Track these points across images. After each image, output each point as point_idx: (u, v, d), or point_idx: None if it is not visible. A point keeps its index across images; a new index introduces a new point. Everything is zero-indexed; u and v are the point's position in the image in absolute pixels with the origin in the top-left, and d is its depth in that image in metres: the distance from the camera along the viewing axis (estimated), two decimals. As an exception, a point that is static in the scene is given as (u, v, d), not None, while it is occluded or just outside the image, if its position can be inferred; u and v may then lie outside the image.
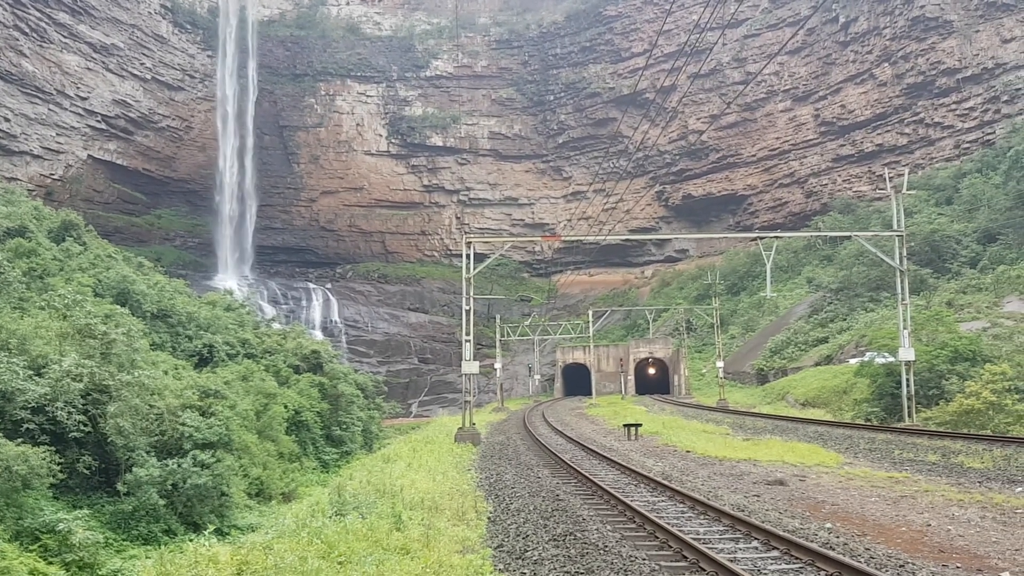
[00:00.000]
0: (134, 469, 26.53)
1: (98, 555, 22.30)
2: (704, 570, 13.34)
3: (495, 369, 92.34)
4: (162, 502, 26.25)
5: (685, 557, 14.19)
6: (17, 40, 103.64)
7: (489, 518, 18.48)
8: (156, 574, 14.28)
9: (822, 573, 12.96)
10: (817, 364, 71.00)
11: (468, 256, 41.67)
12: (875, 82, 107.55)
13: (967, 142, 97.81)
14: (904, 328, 40.94)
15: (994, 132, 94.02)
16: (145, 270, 64.87)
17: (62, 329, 30.66)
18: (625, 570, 13.34)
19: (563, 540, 15.76)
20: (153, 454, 27.92)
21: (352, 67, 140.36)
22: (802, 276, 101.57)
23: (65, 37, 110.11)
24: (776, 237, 59.57)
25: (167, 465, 27.19)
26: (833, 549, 14.37)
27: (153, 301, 48.77)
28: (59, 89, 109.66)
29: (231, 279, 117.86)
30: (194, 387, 34.01)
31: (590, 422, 54.66)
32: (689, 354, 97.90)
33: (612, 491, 20.92)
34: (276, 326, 72.14)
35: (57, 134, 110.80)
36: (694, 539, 15.05)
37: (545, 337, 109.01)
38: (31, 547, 21.26)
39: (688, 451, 32.98)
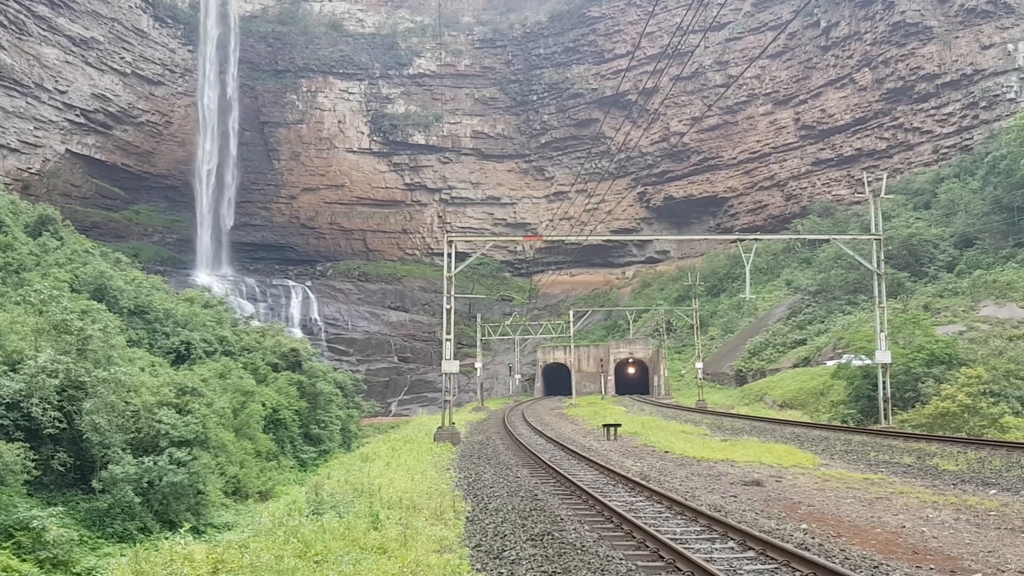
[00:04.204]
0: (109, 466, 26.31)
1: (72, 553, 22.09)
2: (680, 570, 13.39)
3: (475, 368, 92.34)
4: (138, 500, 26.04)
5: (662, 557, 14.24)
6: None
7: (467, 518, 18.46)
8: (131, 572, 14.16)
9: (797, 574, 13.04)
10: (795, 366, 71.45)
11: (450, 255, 41.63)
12: (855, 87, 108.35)
13: (945, 147, 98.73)
14: (881, 331, 41.26)
15: (972, 137, 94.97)
16: (123, 266, 64.31)
17: (38, 324, 30.33)
18: (602, 570, 13.37)
19: (541, 540, 15.76)
20: (129, 451, 27.69)
21: (334, 64, 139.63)
22: (781, 278, 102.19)
23: (44, 30, 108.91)
24: (756, 239, 59.95)
25: (143, 462, 26.97)
26: (808, 550, 14.46)
27: (130, 297, 48.44)
28: (37, 82, 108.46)
29: (209, 276, 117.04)
30: (171, 384, 33.75)
31: (570, 422, 54.73)
32: (669, 355, 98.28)
33: (590, 491, 20.96)
34: (255, 323, 71.90)
35: (35, 128, 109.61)
36: (671, 539, 15.10)
37: (526, 337, 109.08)
38: (4, 544, 21.04)
39: (666, 451, 33.09)
